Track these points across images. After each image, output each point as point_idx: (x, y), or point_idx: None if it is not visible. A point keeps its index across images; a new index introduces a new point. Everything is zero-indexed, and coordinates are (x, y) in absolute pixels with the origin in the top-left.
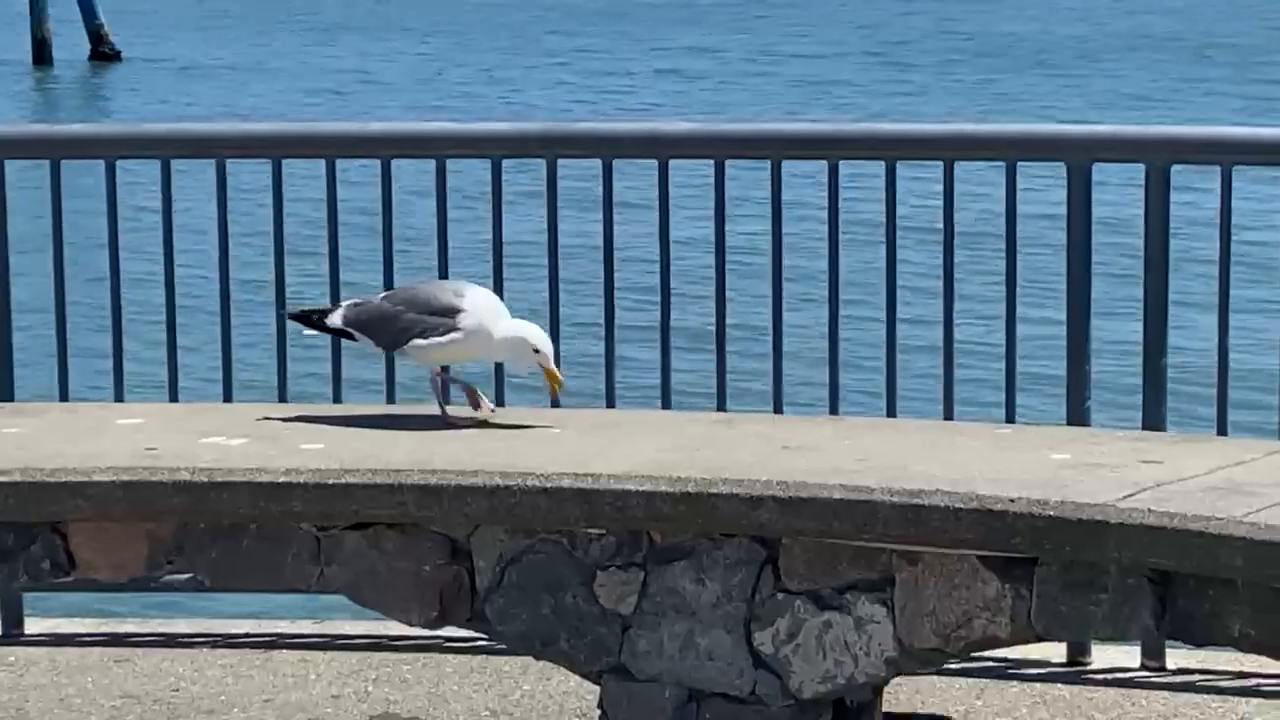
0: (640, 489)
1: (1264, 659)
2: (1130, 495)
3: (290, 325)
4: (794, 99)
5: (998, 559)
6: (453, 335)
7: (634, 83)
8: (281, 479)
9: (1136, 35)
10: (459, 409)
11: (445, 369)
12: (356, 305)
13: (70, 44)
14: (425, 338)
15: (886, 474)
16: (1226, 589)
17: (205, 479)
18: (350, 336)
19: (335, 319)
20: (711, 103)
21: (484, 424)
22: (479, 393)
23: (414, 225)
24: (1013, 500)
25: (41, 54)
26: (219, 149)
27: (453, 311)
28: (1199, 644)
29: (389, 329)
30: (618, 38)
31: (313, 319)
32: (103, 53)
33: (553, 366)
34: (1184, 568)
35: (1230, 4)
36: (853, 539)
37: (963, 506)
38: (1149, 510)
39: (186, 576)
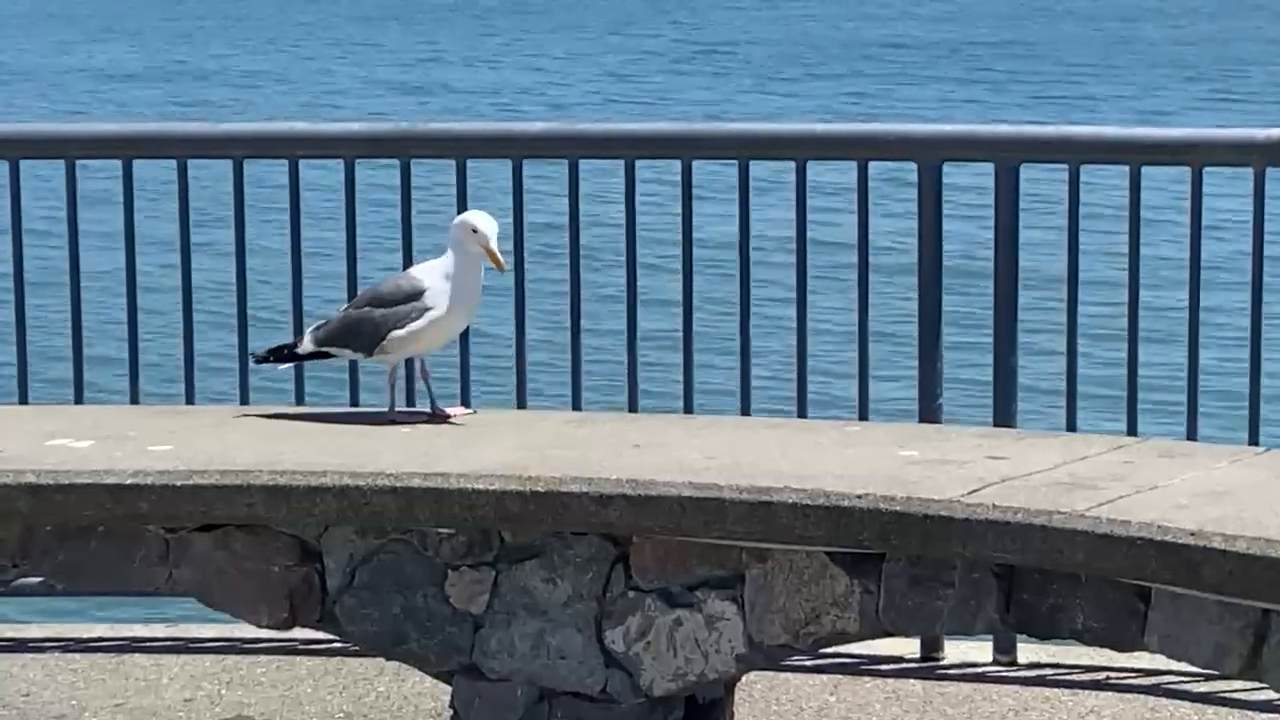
0: (490, 488)
1: (1113, 653)
2: (975, 491)
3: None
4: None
5: (846, 555)
6: (429, 315)
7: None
8: (129, 480)
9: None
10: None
11: (412, 364)
12: (322, 325)
13: None
14: (402, 327)
15: (735, 472)
16: (1069, 583)
17: (51, 481)
18: (328, 355)
19: (306, 345)
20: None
21: (396, 423)
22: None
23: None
24: (860, 496)
25: None
26: (68, 149)
27: (418, 294)
28: (1044, 638)
29: (364, 332)
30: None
31: (284, 353)
32: None
33: (493, 247)
34: (1028, 562)
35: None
36: (702, 537)
37: (811, 503)
38: (993, 505)
39: (38, 580)
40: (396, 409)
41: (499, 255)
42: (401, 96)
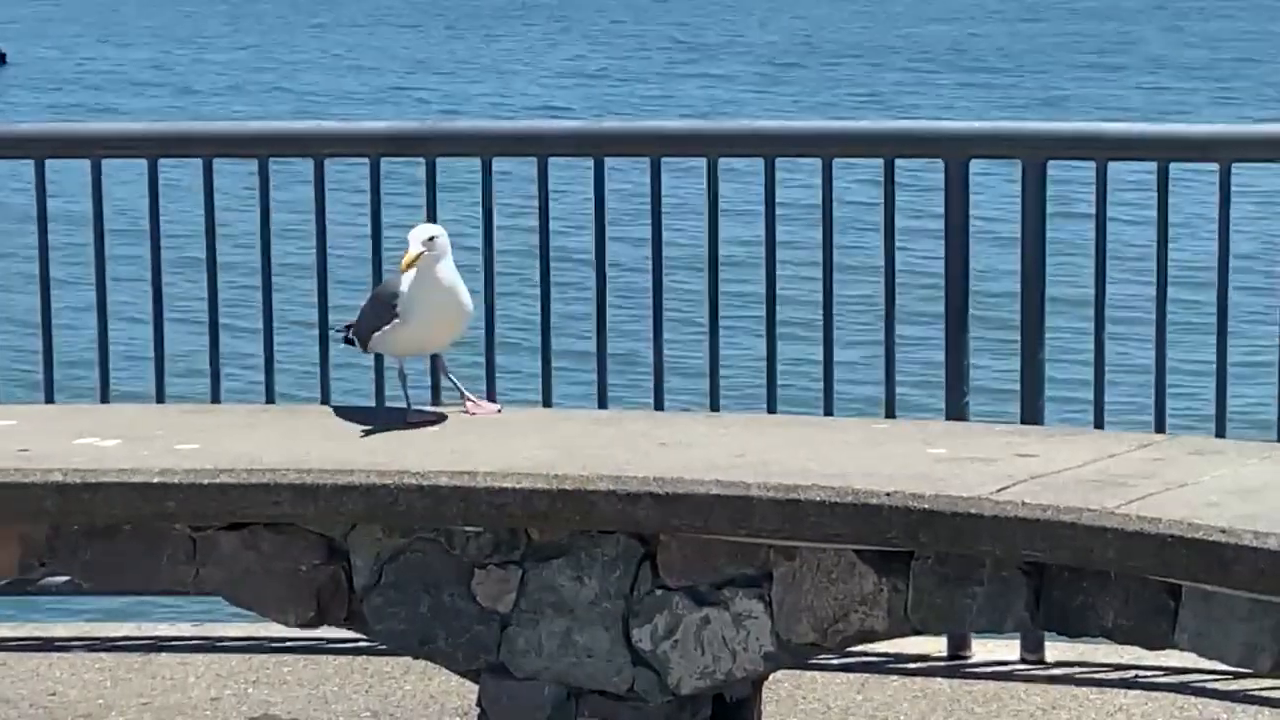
0: (518, 486)
1: (1142, 651)
2: (1004, 488)
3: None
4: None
5: (874, 553)
6: (394, 322)
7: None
8: (156, 479)
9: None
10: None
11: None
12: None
13: None
14: (379, 330)
15: (763, 470)
16: (1099, 580)
17: (79, 480)
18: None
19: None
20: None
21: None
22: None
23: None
24: (888, 494)
25: None
26: (93, 148)
27: (395, 299)
28: (1074, 636)
29: (361, 329)
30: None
31: (347, 336)
32: None
33: (410, 252)
34: (1057, 560)
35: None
36: (730, 535)
37: (839, 501)
38: (1023, 503)
39: (64, 579)
40: (414, 407)
41: (407, 255)
42: (407, 100)
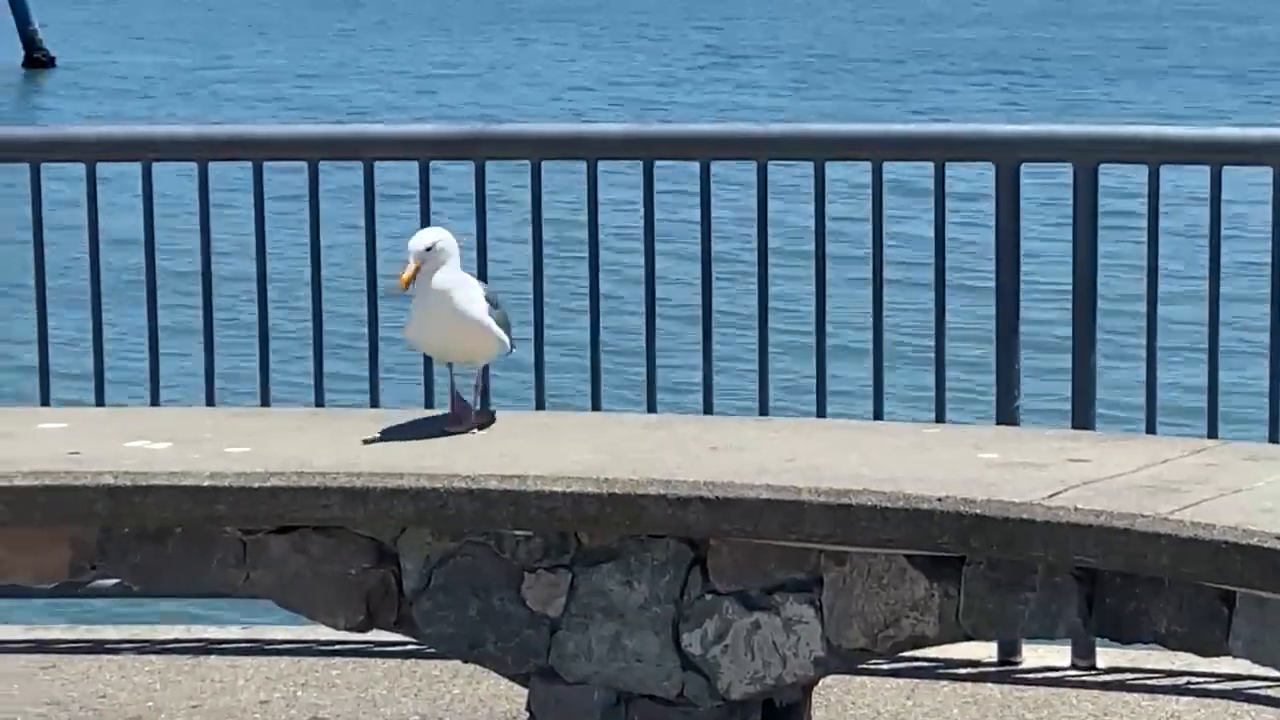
0: (568, 490)
1: (1194, 658)
2: (1057, 494)
3: None
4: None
5: (925, 558)
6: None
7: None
8: (206, 482)
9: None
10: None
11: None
12: None
13: (3, 50)
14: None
15: (814, 474)
16: (1153, 586)
17: (129, 483)
18: None
19: None
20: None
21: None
22: (469, 407)
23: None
24: (940, 499)
25: None
26: (144, 151)
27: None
28: (1126, 642)
29: None
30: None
31: None
32: (37, 59)
33: (406, 270)
34: (1110, 565)
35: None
36: (780, 539)
37: (890, 506)
38: (1075, 508)
39: (113, 582)
40: (468, 407)
41: (402, 274)
42: (444, 100)
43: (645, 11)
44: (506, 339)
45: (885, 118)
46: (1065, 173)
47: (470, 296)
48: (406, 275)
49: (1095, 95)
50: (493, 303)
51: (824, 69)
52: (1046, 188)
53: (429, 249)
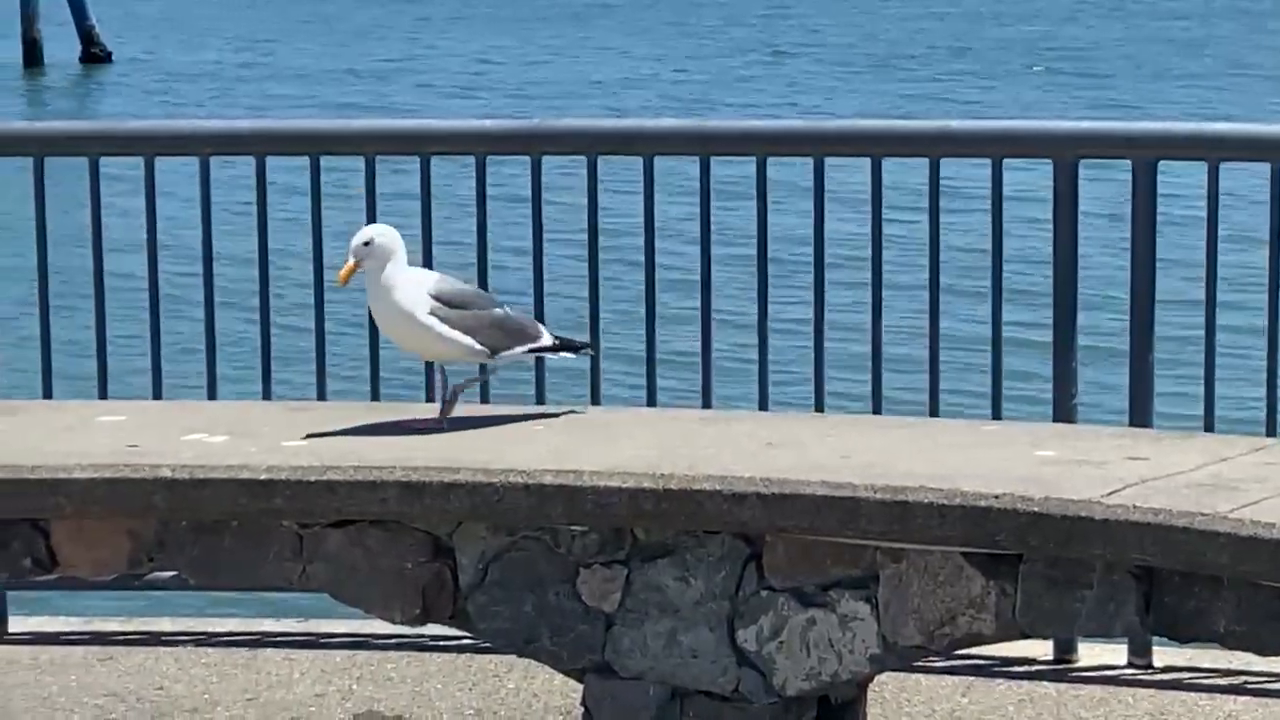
0: (624, 486)
1: (1251, 657)
2: (1115, 491)
3: None
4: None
5: (982, 556)
6: None
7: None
8: (263, 476)
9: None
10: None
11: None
12: None
13: (62, 46)
14: None
15: (870, 471)
16: (1212, 585)
17: (187, 476)
18: (563, 349)
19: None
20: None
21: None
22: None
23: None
24: (997, 497)
25: (32, 56)
26: (202, 146)
27: None
28: (1184, 641)
29: None
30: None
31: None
32: (94, 54)
33: (345, 265)
34: (1169, 564)
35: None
36: (836, 536)
37: (947, 503)
38: (1134, 506)
39: (170, 574)
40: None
41: (341, 272)
42: (478, 97)
43: (705, 5)
44: (462, 338)
45: (939, 115)
46: (1116, 172)
47: (411, 296)
48: (343, 272)
49: (1144, 93)
50: (449, 302)
51: (871, 65)
52: (1098, 184)
53: (366, 244)
